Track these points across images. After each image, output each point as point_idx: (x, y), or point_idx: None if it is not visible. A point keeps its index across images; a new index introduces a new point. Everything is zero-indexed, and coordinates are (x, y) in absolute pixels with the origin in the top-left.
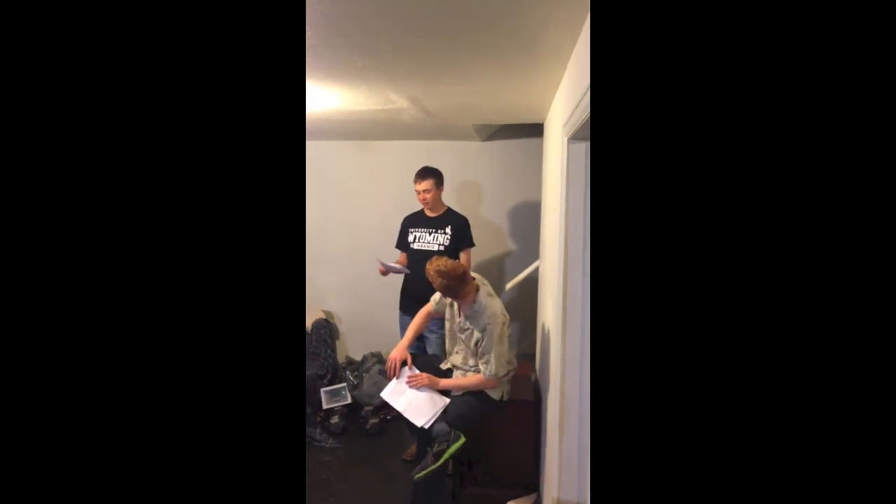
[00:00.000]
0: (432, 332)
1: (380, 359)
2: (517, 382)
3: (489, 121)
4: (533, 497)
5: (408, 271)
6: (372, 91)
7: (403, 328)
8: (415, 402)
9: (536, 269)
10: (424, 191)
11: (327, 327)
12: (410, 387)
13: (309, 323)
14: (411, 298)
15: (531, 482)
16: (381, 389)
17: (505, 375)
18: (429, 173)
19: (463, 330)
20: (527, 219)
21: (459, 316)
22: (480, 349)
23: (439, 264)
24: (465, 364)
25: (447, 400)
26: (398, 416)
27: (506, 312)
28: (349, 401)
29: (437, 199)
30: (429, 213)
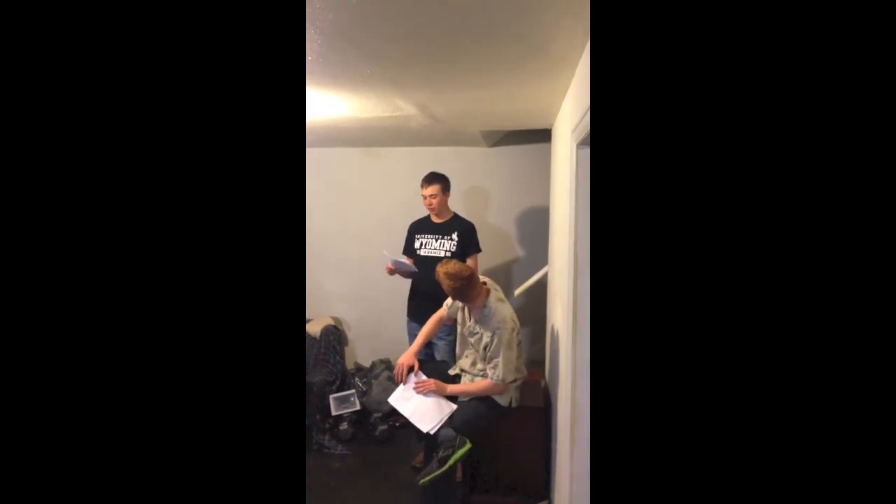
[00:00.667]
0: (440, 338)
1: (388, 365)
2: (527, 389)
3: (497, 127)
4: None
5: (415, 269)
6: (380, 98)
7: (411, 334)
8: (421, 408)
9: (545, 275)
10: (431, 196)
11: (336, 334)
12: (417, 392)
13: (318, 329)
14: (419, 304)
15: (541, 490)
16: (389, 396)
17: (513, 382)
18: (435, 178)
19: (472, 334)
20: (534, 224)
21: (470, 320)
22: (489, 353)
23: (448, 267)
24: (474, 368)
25: (454, 406)
26: (407, 423)
27: (516, 318)
28: (358, 407)
29: (444, 205)
30: (435, 219)
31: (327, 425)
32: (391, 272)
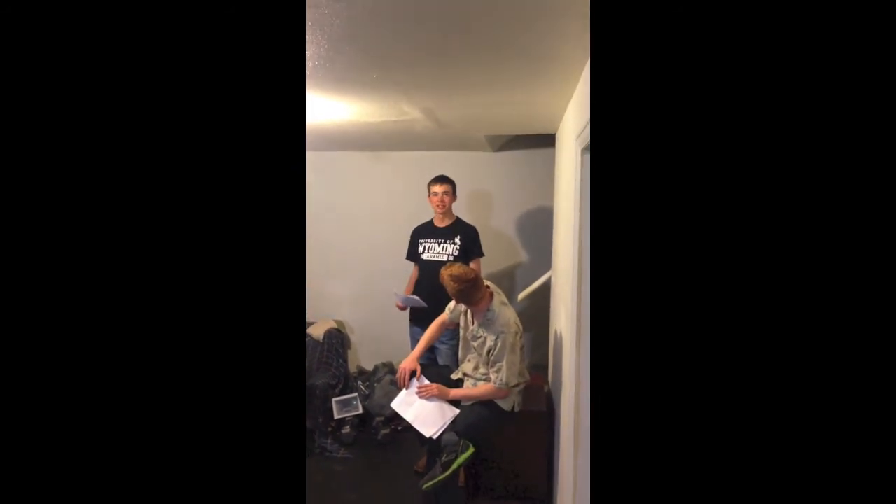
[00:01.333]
0: (443, 342)
1: (391, 369)
2: (530, 393)
3: (501, 131)
4: None
5: (425, 305)
6: (385, 102)
7: (414, 339)
8: (424, 413)
9: (549, 280)
10: (444, 192)
11: (339, 337)
12: (420, 397)
13: (321, 332)
14: (422, 309)
15: (544, 495)
16: (392, 400)
17: (516, 386)
18: (446, 179)
19: (476, 338)
20: (538, 229)
21: (473, 324)
22: (492, 357)
23: (452, 270)
24: (476, 372)
25: (456, 410)
26: (409, 427)
27: (519, 322)
28: (360, 411)
29: (450, 208)
30: (438, 224)
31: (330, 429)
32: (402, 308)
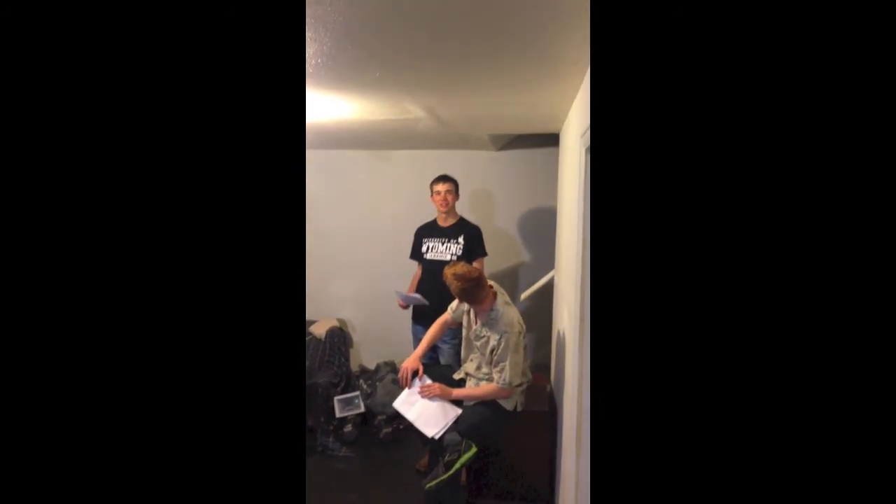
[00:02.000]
0: (445, 342)
1: (393, 368)
2: (532, 393)
3: (505, 130)
4: None
5: (426, 302)
6: (388, 101)
7: (416, 338)
8: (426, 413)
9: (552, 279)
10: (447, 191)
11: (341, 335)
12: (422, 397)
13: (323, 331)
14: (424, 308)
15: (546, 495)
16: (394, 399)
17: (519, 386)
18: (448, 178)
19: (479, 337)
20: (541, 229)
21: (476, 323)
22: (496, 357)
23: (456, 269)
24: (479, 372)
25: (459, 410)
26: (411, 426)
27: (522, 322)
28: (362, 410)
29: (453, 207)
30: (442, 223)
31: (331, 427)
32: (404, 307)
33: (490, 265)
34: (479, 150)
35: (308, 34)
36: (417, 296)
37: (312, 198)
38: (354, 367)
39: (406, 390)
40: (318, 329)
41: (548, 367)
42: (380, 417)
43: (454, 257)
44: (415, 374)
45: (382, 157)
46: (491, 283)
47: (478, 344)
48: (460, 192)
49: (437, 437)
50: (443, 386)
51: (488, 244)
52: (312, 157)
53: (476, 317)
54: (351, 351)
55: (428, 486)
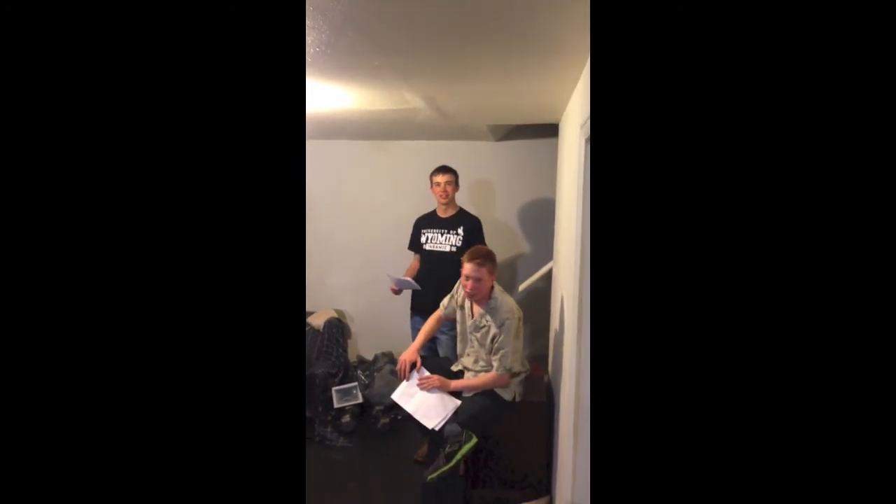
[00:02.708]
0: (444, 333)
1: (391, 358)
2: (529, 384)
3: (504, 121)
4: (545, 500)
5: (418, 287)
6: (387, 90)
7: (415, 329)
8: (425, 404)
9: (550, 270)
10: (446, 182)
11: (339, 326)
12: (421, 389)
13: (321, 322)
14: (423, 299)
15: (543, 484)
16: (392, 389)
17: (517, 375)
18: (448, 169)
19: (479, 328)
20: (539, 220)
21: (472, 316)
22: (497, 345)
23: (481, 248)
24: (476, 365)
25: (458, 402)
26: (409, 416)
27: (519, 308)
28: (360, 400)
29: (453, 198)
30: (441, 214)
31: (329, 417)
32: (396, 293)
33: None
34: (478, 140)
35: (307, 22)
36: (409, 280)
37: (311, 189)
38: (352, 357)
39: (405, 382)
40: (317, 320)
41: (545, 358)
42: (377, 408)
43: (454, 248)
44: (413, 366)
45: (381, 148)
46: None
47: (477, 335)
48: (460, 182)
49: (436, 428)
50: (441, 377)
51: (487, 235)
52: (310, 147)
53: (476, 306)
54: (349, 342)
55: (430, 477)
